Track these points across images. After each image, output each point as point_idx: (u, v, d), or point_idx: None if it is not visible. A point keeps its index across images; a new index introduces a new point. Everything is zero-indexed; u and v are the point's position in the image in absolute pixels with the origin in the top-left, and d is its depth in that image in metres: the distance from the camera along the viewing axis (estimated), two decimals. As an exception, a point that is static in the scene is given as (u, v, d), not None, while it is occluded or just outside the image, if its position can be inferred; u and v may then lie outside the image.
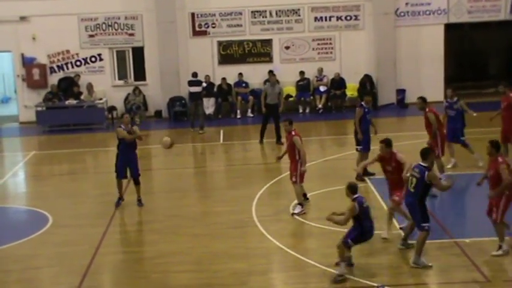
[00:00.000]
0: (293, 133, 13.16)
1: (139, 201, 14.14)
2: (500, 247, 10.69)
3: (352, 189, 10.04)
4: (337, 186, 14.31)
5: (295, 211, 13.09)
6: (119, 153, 14.08)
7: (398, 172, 11.18)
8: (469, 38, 27.10)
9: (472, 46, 27.37)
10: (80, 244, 12.02)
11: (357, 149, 15.34)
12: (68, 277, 10.64)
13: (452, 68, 26.01)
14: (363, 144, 15.19)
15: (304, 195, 13.68)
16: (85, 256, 11.34)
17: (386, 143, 11.46)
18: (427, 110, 14.52)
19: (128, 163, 13.98)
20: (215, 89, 23.96)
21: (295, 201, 13.29)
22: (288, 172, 13.62)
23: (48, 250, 11.86)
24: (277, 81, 21.11)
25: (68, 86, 23.96)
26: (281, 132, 19.08)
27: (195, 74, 22.39)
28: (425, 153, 10.33)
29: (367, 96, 15.81)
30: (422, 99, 14.67)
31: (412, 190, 10.28)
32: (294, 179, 13.14)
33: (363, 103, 15.26)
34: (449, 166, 15.32)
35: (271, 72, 23.69)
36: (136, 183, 14.12)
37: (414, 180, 10.24)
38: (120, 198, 14.23)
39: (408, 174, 10.57)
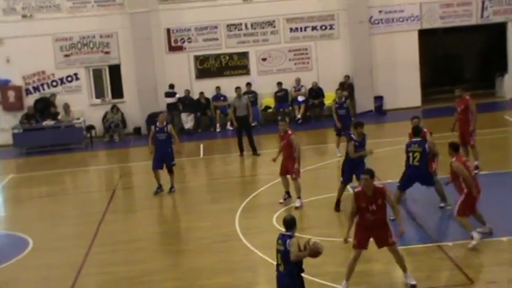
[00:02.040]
0: (289, 132, 13.91)
1: (171, 189, 15.87)
2: (472, 237, 10.88)
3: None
4: (319, 196, 14.35)
5: (297, 204, 13.85)
6: (155, 147, 15.76)
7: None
8: (442, 43, 27.35)
9: (446, 51, 27.61)
10: (62, 266, 11.87)
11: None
12: (51, 300, 10.50)
13: (428, 73, 26.19)
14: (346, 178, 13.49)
15: (287, 192, 14.26)
16: (67, 278, 11.17)
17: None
18: (453, 159, 11.48)
19: (163, 156, 15.73)
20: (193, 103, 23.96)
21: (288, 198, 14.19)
22: (268, 184, 13.62)
23: (29, 274, 11.69)
24: (250, 92, 23.09)
25: (44, 106, 23.78)
26: (255, 143, 19.22)
27: (171, 86, 23.64)
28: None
29: (360, 127, 13.33)
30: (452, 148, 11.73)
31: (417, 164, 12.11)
32: (294, 176, 13.84)
33: (353, 136, 13.30)
34: (339, 154, 17.10)
35: (249, 84, 23.90)
36: (170, 171, 15.88)
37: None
38: (159, 188, 15.88)
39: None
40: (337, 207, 13.33)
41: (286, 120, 14.71)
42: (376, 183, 9.71)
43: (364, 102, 24.33)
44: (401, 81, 24.53)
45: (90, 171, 20.60)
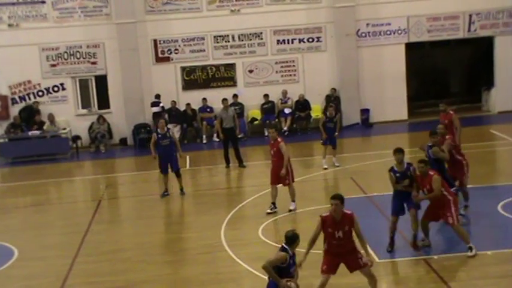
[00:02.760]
0: (279, 139, 14.32)
1: (181, 190, 16.52)
2: (470, 248, 11.11)
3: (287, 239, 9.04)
4: (305, 208, 14.36)
5: (291, 207, 14.27)
6: (159, 153, 16.28)
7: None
8: (429, 56, 27.51)
9: (433, 64, 27.78)
10: (47, 276, 11.79)
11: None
12: (35, 311, 10.42)
13: (415, 86, 26.32)
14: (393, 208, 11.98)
15: (274, 204, 14.34)
16: (52, 289, 11.12)
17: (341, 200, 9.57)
18: (431, 173, 11.59)
19: (168, 161, 16.33)
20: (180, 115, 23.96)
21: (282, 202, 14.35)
22: (254, 196, 13.62)
23: (14, 284, 11.60)
24: (236, 104, 23.26)
25: (29, 115, 23.63)
26: (241, 155, 19.25)
27: (157, 96, 23.75)
28: None
29: (398, 153, 11.83)
30: (425, 163, 11.78)
31: None
32: (287, 182, 14.27)
33: (393, 166, 11.80)
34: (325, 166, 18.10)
35: (235, 96, 23.90)
36: (177, 175, 16.50)
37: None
38: (166, 191, 16.44)
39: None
40: (392, 245, 11.82)
41: (276, 128, 14.99)
42: (346, 209, 9.38)
43: (350, 115, 24.40)
44: (388, 94, 24.62)
45: (76, 181, 20.50)
